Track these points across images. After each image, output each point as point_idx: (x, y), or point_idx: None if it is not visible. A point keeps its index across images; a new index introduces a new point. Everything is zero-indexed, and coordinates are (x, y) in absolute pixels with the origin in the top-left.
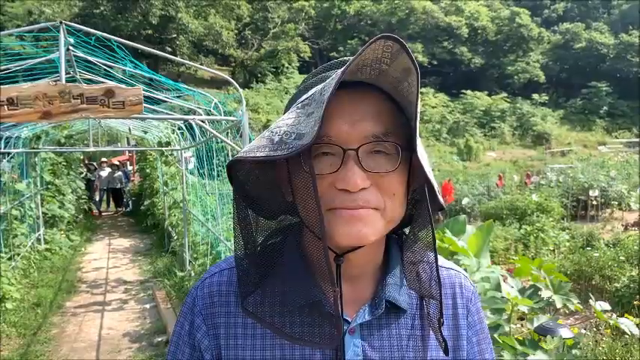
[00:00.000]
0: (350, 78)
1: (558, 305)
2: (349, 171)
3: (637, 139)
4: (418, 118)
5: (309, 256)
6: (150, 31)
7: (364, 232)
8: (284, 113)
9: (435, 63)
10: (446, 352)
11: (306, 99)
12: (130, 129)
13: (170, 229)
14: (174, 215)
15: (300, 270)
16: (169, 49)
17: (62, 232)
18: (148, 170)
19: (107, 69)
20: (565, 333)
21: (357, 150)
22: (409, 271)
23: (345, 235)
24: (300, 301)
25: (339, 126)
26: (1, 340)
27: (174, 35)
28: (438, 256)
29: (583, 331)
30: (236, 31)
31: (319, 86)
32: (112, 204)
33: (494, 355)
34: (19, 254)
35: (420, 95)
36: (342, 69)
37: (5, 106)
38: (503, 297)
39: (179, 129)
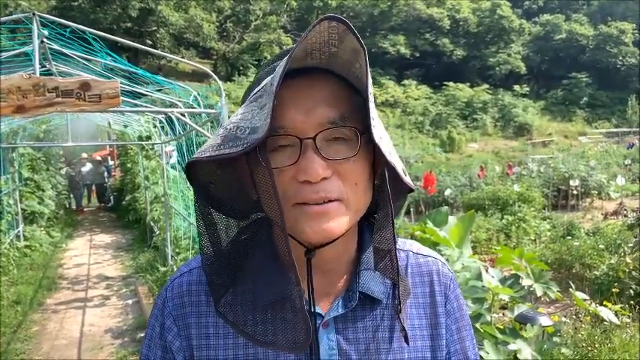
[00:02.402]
0: (301, 64)
1: (539, 293)
2: (308, 160)
3: (616, 130)
4: (371, 100)
5: (279, 251)
6: (129, 24)
7: (331, 228)
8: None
9: (418, 55)
10: (406, 340)
11: (258, 91)
12: (109, 123)
13: (152, 224)
14: (156, 210)
15: (271, 265)
16: (150, 42)
17: (42, 229)
18: (129, 165)
19: (85, 63)
20: (545, 321)
21: (314, 138)
22: (380, 259)
23: (311, 232)
24: (271, 297)
25: (293, 115)
26: None
27: (155, 28)
28: (416, 244)
29: (563, 319)
30: (217, 24)
31: (270, 77)
32: (92, 199)
33: (475, 342)
34: None
35: (369, 75)
36: (287, 56)
37: None
38: (484, 286)
39: (160, 123)
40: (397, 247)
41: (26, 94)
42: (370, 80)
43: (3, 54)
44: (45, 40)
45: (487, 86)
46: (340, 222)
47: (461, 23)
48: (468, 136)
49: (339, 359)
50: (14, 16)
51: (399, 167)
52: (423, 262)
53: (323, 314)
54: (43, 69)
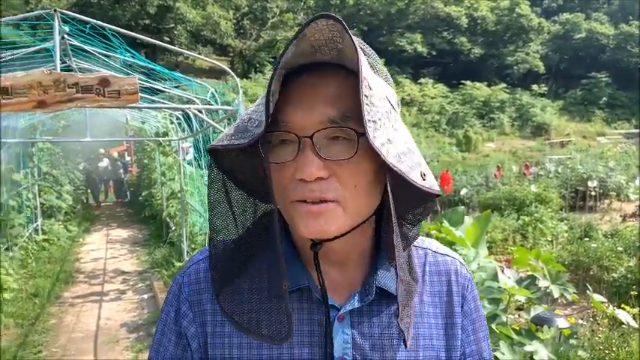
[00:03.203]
0: (310, 60)
1: (555, 295)
2: (305, 159)
3: (636, 130)
4: (364, 102)
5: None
6: (147, 21)
7: (324, 228)
8: None
9: (435, 53)
10: (404, 344)
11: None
12: (127, 119)
13: (168, 219)
14: (172, 206)
15: (271, 257)
16: (167, 39)
17: (60, 223)
18: (145, 161)
19: (105, 59)
20: (562, 323)
21: (312, 136)
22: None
23: (306, 230)
24: (263, 288)
25: (294, 112)
26: (0, 330)
27: (172, 25)
28: (435, 242)
29: (580, 321)
30: (234, 21)
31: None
32: (110, 195)
33: (489, 343)
34: (16, 244)
35: (363, 76)
36: (283, 54)
37: None
38: (499, 287)
39: (177, 119)
40: (416, 244)
41: (47, 89)
42: (369, 82)
43: (24, 50)
44: (65, 36)
45: (505, 85)
46: (336, 224)
47: (479, 21)
48: (484, 136)
49: (353, 353)
50: (35, 12)
51: (413, 172)
52: (441, 261)
53: (339, 307)
54: (63, 65)
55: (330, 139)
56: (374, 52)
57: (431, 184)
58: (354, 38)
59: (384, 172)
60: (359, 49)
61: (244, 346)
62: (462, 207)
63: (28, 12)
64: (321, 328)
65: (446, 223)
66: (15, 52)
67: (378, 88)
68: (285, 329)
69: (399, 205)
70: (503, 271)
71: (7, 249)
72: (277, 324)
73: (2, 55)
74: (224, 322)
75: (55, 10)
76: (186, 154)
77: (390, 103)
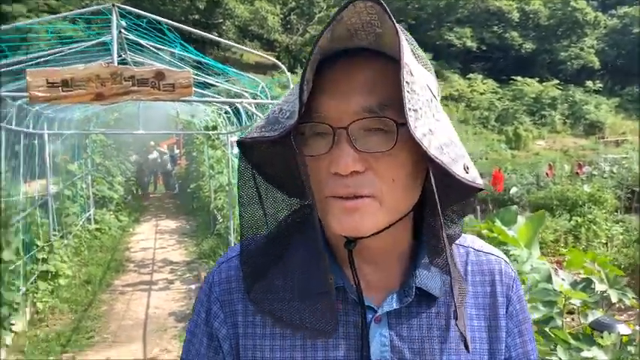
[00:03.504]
0: (346, 45)
1: (614, 300)
2: (339, 152)
3: None
4: (405, 90)
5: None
6: (197, 16)
7: (359, 225)
8: None
9: (484, 48)
10: (466, 348)
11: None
12: (177, 112)
13: (215, 212)
14: (220, 198)
15: (309, 251)
16: (216, 34)
17: (111, 213)
18: (194, 154)
19: (157, 52)
20: (623, 329)
21: (347, 127)
22: (435, 256)
23: (339, 226)
24: (303, 285)
25: (328, 101)
26: (55, 314)
27: (221, 20)
28: (478, 240)
29: (637, 327)
30: (281, 16)
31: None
32: (159, 186)
33: (536, 347)
34: (70, 233)
35: (405, 61)
36: (318, 39)
37: (60, 88)
38: (555, 290)
39: (226, 113)
40: (457, 242)
41: (105, 82)
42: (410, 68)
43: (83, 44)
44: (122, 30)
45: (557, 81)
46: (371, 220)
47: (531, 16)
48: (534, 133)
49: (391, 357)
50: (94, 7)
51: (456, 165)
52: (484, 260)
53: (376, 308)
54: (119, 58)
55: (367, 131)
56: (413, 39)
57: (474, 177)
58: (395, 22)
59: (423, 164)
60: (400, 33)
61: (277, 349)
62: (515, 206)
63: (84, 7)
64: (357, 330)
65: (498, 223)
66: (74, 46)
67: (420, 76)
68: (330, 324)
69: (440, 199)
70: (557, 273)
71: (62, 237)
72: (321, 319)
73: (63, 49)
74: (255, 323)
75: (114, 5)
76: (235, 147)
77: (431, 92)
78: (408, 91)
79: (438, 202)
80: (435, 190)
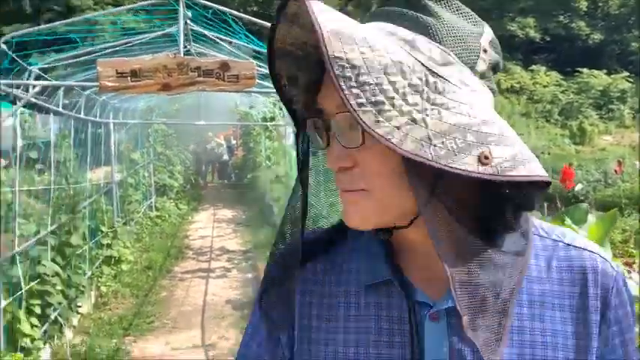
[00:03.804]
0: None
1: None
2: (330, 148)
3: None
4: (342, 86)
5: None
6: (255, 8)
7: (357, 217)
8: None
9: (548, 39)
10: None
11: None
12: (236, 103)
13: (272, 202)
14: (276, 190)
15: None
16: None
17: (171, 201)
18: (251, 144)
19: (221, 43)
20: None
21: (329, 122)
22: None
23: (346, 219)
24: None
25: (321, 95)
26: (118, 298)
27: None
28: (571, 233)
29: None
30: (338, 8)
31: None
32: (215, 176)
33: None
34: (132, 219)
35: (327, 53)
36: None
37: (129, 78)
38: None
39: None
40: (543, 234)
41: (171, 72)
42: (366, 50)
43: (149, 35)
44: (188, 21)
45: (627, 74)
46: (365, 213)
47: (600, 4)
48: (601, 128)
49: (450, 358)
50: None
51: (457, 157)
52: (575, 255)
53: (431, 304)
54: (184, 49)
55: (351, 125)
56: None
57: (499, 170)
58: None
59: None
60: (313, 14)
61: (330, 342)
62: (585, 204)
63: None
64: (404, 326)
65: (568, 221)
66: (140, 37)
67: (400, 55)
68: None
69: (448, 197)
70: (630, 276)
71: (124, 223)
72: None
73: (130, 40)
74: (311, 315)
75: None
76: (290, 138)
77: (428, 71)
78: (353, 86)
79: (418, 197)
80: (415, 188)
